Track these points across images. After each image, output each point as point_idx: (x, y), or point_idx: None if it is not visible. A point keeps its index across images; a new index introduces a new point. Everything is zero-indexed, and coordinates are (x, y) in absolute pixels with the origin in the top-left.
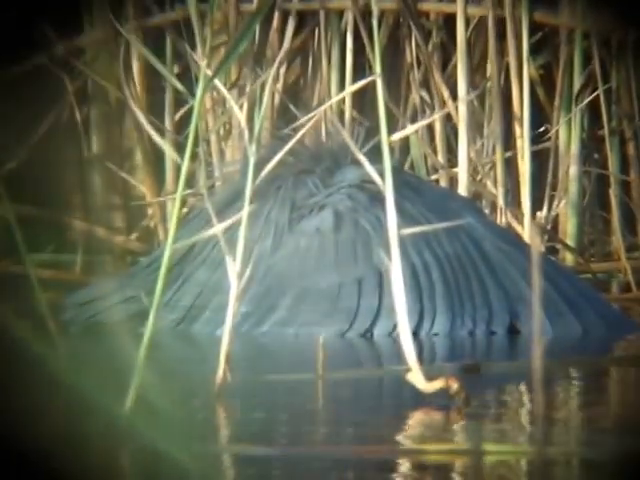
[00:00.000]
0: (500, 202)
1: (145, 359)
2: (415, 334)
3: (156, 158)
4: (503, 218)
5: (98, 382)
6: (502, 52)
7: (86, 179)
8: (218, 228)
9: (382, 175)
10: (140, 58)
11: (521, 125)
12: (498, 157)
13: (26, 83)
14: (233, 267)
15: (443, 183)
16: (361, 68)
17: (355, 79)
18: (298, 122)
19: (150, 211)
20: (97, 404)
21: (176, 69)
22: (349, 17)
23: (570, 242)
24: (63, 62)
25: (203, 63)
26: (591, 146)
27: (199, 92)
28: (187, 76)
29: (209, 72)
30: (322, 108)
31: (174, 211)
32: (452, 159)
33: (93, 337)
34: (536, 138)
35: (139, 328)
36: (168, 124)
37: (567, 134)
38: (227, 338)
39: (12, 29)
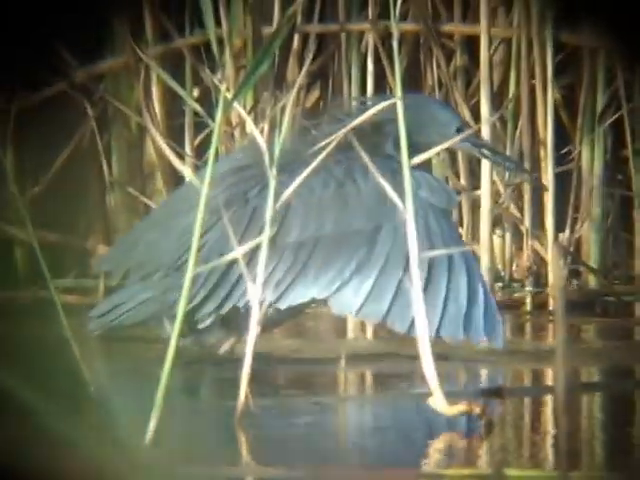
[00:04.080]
0: (526, 224)
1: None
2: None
3: (177, 182)
4: (526, 240)
5: (120, 409)
6: (520, 73)
7: (107, 204)
8: (239, 251)
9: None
10: (160, 82)
11: (545, 147)
12: (525, 179)
13: (47, 109)
14: (254, 291)
15: (465, 206)
16: (382, 90)
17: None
18: (319, 145)
19: None
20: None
21: (196, 93)
22: (369, 39)
23: (593, 264)
24: (83, 88)
25: (222, 86)
26: (614, 167)
27: (218, 115)
28: (207, 100)
29: (228, 95)
30: (344, 131)
31: (195, 233)
32: (474, 181)
33: (115, 352)
34: (559, 159)
35: (160, 332)
36: (188, 148)
37: (590, 155)
38: (248, 360)
39: (33, 56)
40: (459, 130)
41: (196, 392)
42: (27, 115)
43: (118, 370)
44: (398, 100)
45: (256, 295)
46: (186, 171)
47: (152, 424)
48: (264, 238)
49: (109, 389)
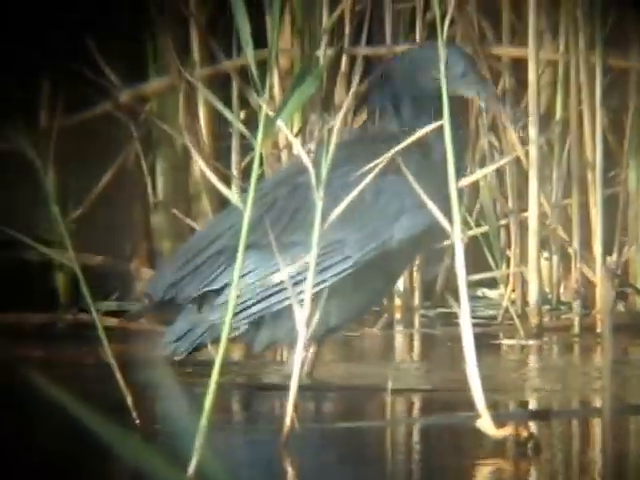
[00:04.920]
0: (574, 246)
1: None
2: None
3: (222, 204)
4: (574, 262)
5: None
6: (567, 96)
7: (152, 226)
8: (284, 273)
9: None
10: (206, 104)
11: (593, 170)
12: (574, 202)
13: (91, 130)
14: (301, 314)
15: (513, 228)
16: None
17: None
18: (367, 167)
19: None
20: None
21: (243, 115)
22: None
23: None
24: (129, 108)
25: (264, 108)
26: None
27: (259, 136)
28: (254, 122)
29: (271, 115)
30: (390, 153)
31: (239, 256)
32: (522, 204)
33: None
34: (606, 182)
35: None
36: (235, 170)
37: (637, 178)
38: (294, 385)
39: (78, 75)
40: (464, 75)
41: (242, 416)
42: (71, 135)
43: (162, 395)
44: (445, 122)
45: (303, 318)
46: (229, 193)
47: (196, 450)
48: (311, 259)
49: (153, 414)
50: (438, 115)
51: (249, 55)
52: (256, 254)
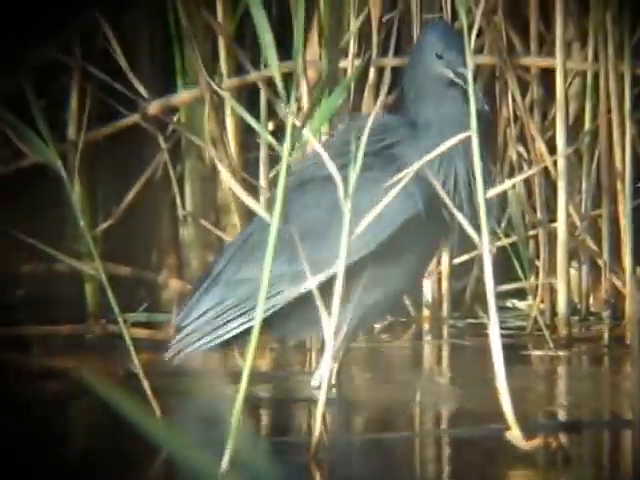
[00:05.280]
0: (604, 257)
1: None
2: None
3: (252, 215)
4: (604, 273)
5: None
6: (596, 106)
7: (180, 237)
8: (312, 282)
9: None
10: (234, 115)
11: (622, 180)
12: (604, 213)
13: (119, 142)
14: (328, 324)
15: (542, 239)
16: None
17: None
18: (394, 179)
19: None
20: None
21: (270, 126)
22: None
23: None
24: (156, 120)
25: (290, 118)
26: None
27: (287, 147)
28: (282, 133)
29: (298, 125)
30: (418, 165)
31: (265, 268)
32: (550, 214)
33: (186, 385)
34: (635, 193)
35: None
36: (263, 181)
37: None
38: (323, 397)
39: (105, 87)
40: (441, 57)
41: (269, 426)
42: (99, 147)
43: (190, 404)
44: (473, 133)
45: (331, 328)
46: (255, 205)
47: (225, 460)
48: (339, 269)
49: (181, 424)
50: (439, 102)
51: (273, 66)
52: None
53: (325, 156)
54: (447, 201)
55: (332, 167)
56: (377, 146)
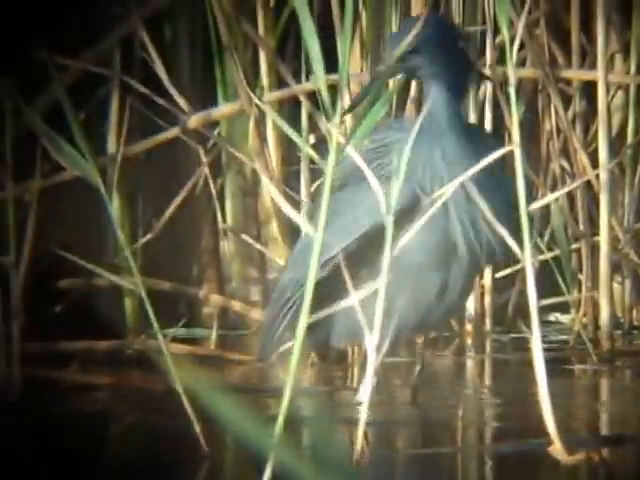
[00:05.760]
0: None
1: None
2: None
3: (293, 229)
4: None
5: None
6: (638, 118)
7: (221, 251)
8: (355, 297)
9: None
10: (275, 128)
11: None
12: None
13: (160, 155)
14: (370, 339)
15: (584, 252)
16: (500, 137)
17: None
18: (435, 195)
19: None
20: None
21: (312, 139)
22: (488, 85)
23: None
24: (197, 134)
25: (334, 132)
26: None
27: (330, 161)
28: (323, 146)
29: (342, 140)
30: (461, 178)
31: (308, 282)
32: (593, 227)
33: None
34: None
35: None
36: (304, 195)
37: None
38: (365, 409)
39: (146, 101)
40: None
41: (311, 442)
42: (139, 161)
43: (232, 422)
44: (516, 147)
45: (373, 342)
46: (298, 218)
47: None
48: (380, 284)
49: (222, 442)
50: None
51: (319, 76)
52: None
53: (365, 168)
54: (486, 212)
55: (373, 179)
56: (372, 155)
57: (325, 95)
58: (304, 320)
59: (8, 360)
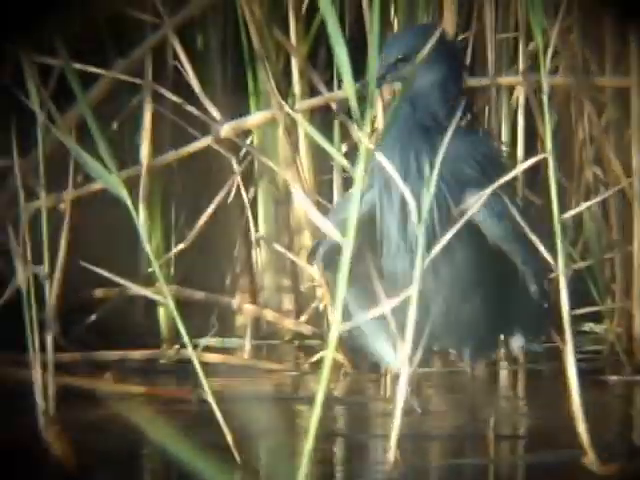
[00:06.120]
0: None
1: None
2: None
3: (325, 238)
4: None
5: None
6: None
7: (254, 261)
8: (387, 305)
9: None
10: (307, 137)
11: None
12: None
13: (192, 164)
14: (403, 350)
15: (618, 261)
16: (532, 145)
17: (527, 156)
18: (467, 202)
19: (320, 294)
20: None
21: (344, 148)
22: (520, 93)
23: None
24: (229, 143)
25: (365, 139)
26: None
27: (361, 169)
28: (356, 155)
29: (371, 147)
30: (493, 187)
31: (338, 292)
32: (627, 237)
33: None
34: None
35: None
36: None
37: None
38: (398, 421)
39: (176, 110)
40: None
41: (343, 452)
42: (172, 171)
43: (265, 431)
44: (548, 155)
45: (405, 354)
46: (329, 228)
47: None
48: (413, 292)
49: (255, 451)
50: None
51: (348, 85)
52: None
53: (397, 177)
54: (523, 224)
55: (404, 189)
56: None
57: (354, 103)
58: (336, 331)
59: (43, 370)
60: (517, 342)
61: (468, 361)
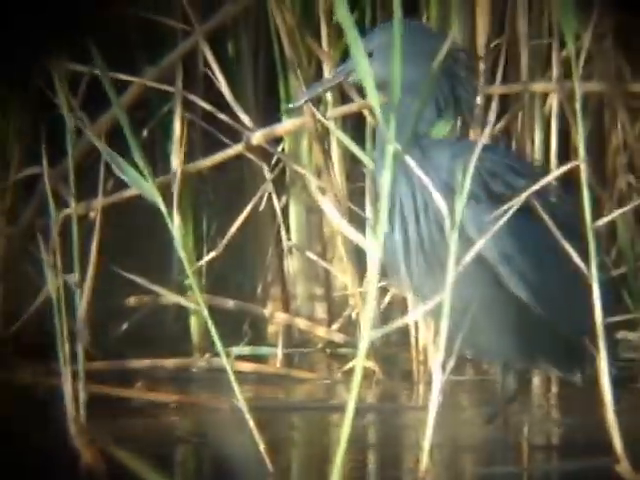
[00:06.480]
0: None
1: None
2: None
3: (357, 246)
4: None
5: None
6: None
7: (286, 269)
8: (418, 313)
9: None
10: (340, 145)
11: None
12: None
13: (224, 172)
14: (436, 356)
15: None
16: (566, 152)
17: (560, 164)
18: (500, 210)
19: (352, 302)
20: None
21: None
22: (553, 100)
23: None
24: (261, 150)
25: (393, 147)
26: None
27: (390, 176)
28: None
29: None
30: (526, 194)
31: (368, 300)
32: None
33: (292, 421)
34: None
35: None
36: (369, 212)
37: None
38: (430, 430)
39: (208, 119)
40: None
41: (375, 460)
42: (204, 178)
43: (297, 440)
44: (582, 162)
45: (438, 359)
46: (360, 237)
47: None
48: (445, 297)
49: (287, 460)
50: None
51: (371, 95)
52: None
53: (430, 185)
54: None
55: (438, 197)
56: None
57: (378, 110)
58: (367, 339)
59: (74, 379)
60: (551, 371)
61: (500, 370)
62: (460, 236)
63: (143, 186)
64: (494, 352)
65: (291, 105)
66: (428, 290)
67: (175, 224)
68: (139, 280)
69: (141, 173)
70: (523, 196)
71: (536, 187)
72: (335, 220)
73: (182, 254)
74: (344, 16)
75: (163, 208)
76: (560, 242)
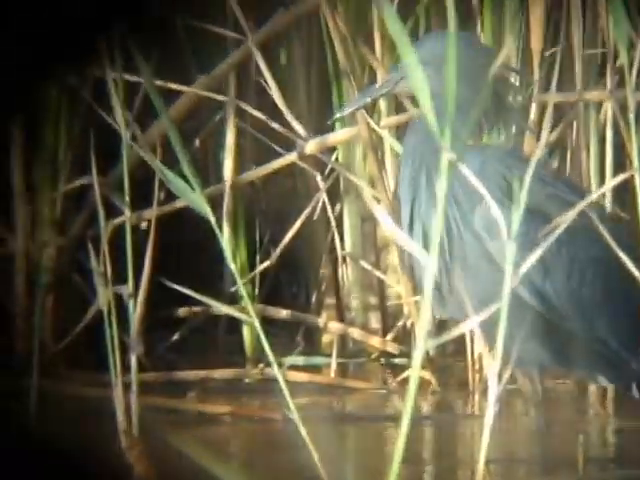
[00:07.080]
0: None
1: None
2: None
3: (411, 256)
4: None
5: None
6: None
7: (340, 278)
8: (474, 321)
9: None
10: (393, 153)
11: None
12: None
13: (277, 182)
14: (492, 366)
15: None
16: (620, 162)
17: (615, 173)
18: (554, 222)
19: (406, 311)
20: None
21: None
22: (608, 108)
23: None
24: (314, 159)
25: (446, 155)
26: None
27: (442, 185)
28: None
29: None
30: (582, 204)
31: (423, 309)
32: None
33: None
34: None
35: None
36: None
37: None
38: (486, 440)
39: (262, 128)
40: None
41: (430, 469)
42: (257, 188)
43: (352, 450)
44: (636, 172)
45: (495, 369)
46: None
47: None
48: (502, 308)
49: (341, 471)
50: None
51: (424, 104)
52: None
53: (482, 189)
54: (611, 242)
55: (489, 197)
56: None
57: (432, 119)
58: (421, 349)
59: (124, 390)
60: (599, 380)
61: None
62: (467, 230)
63: (190, 196)
64: (529, 360)
65: (338, 114)
66: (446, 290)
67: (225, 234)
68: (186, 291)
69: (190, 184)
70: (577, 209)
71: (590, 199)
72: (389, 229)
73: (231, 264)
74: (395, 30)
75: (212, 219)
76: (619, 257)
